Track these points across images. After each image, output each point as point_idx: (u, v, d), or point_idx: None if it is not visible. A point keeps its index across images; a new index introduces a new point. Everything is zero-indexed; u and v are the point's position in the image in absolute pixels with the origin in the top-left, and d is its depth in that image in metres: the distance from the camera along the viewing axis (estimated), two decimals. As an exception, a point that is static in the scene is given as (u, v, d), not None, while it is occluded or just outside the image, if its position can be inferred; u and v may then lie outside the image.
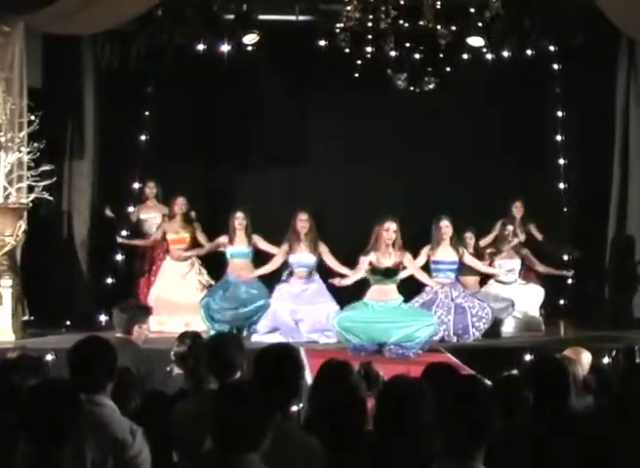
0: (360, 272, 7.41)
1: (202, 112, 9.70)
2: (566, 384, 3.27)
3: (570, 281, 9.39)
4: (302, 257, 8.15)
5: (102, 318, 8.61)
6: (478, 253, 8.60)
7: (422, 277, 7.74)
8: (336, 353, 6.88)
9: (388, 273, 7.34)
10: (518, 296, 8.64)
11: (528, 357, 6.43)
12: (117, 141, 9.18)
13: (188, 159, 9.66)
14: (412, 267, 7.58)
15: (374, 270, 7.36)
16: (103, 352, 3.27)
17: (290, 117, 9.79)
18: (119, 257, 9.05)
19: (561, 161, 9.68)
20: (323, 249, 8.17)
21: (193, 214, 8.91)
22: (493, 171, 9.80)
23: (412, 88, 8.85)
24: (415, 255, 7.80)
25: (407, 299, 7.66)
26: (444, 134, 9.69)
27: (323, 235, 8.82)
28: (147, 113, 9.29)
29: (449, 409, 2.49)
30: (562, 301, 9.29)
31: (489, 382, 3.39)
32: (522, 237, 9.03)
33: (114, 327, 5.30)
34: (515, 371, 4.31)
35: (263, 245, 8.43)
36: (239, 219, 8.40)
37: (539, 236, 9.18)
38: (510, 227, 8.84)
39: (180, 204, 8.76)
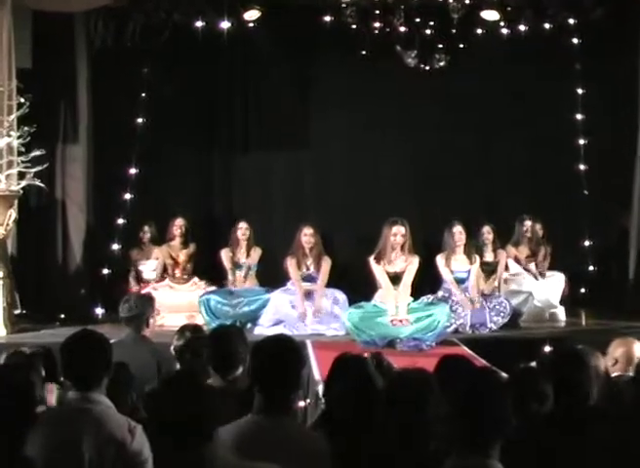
0: (386, 285, 7.41)
1: (201, 93, 9.69)
2: (585, 377, 3.27)
3: (591, 268, 9.38)
4: (307, 274, 8.16)
5: (99, 311, 8.63)
6: (496, 251, 8.58)
7: (406, 292, 7.50)
8: (344, 346, 6.90)
9: (396, 279, 7.39)
10: (537, 286, 8.66)
11: (547, 348, 6.43)
12: (112, 125, 9.16)
13: (187, 142, 9.65)
14: (407, 278, 7.42)
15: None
16: (98, 347, 3.25)
17: (293, 98, 9.75)
18: (115, 247, 9.06)
19: (581, 141, 9.63)
20: (325, 265, 8.12)
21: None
22: (508, 152, 9.77)
23: (422, 65, 8.82)
24: (425, 258, 7.71)
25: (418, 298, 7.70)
26: (456, 114, 9.64)
27: (327, 224, 8.84)
28: (144, 95, 9.26)
29: (462, 403, 2.49)
30: (583, 290, 9.26)
31: (505, 375, 3.40)
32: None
33: (124, 324, 5.27)
34: (533, 364, 4.29)
35: (256, 257, 8.47)
36: (242, 230, 8.46)
37: (545, 264, 9.03)
38: (528, 222, 8.79)
39: (179, 225, 8.81)
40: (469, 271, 8.13)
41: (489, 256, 8.52)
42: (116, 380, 3.44)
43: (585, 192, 9.52)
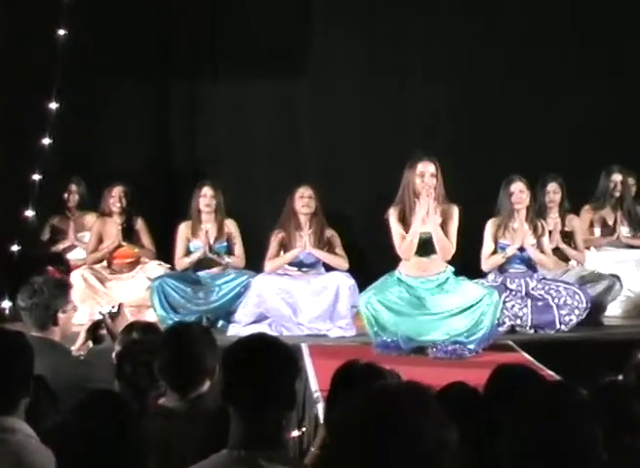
0: (406, 248, 7.30)
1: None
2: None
3: None
4: (303, 253, 8.22)
5: (6, 304, 8.61)
6: (565, 217, 8.61)
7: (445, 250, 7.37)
8: (354, 351, 6.90)
9: (428, 244, 7.31)
10: (630, 268, 8.69)
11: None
12: (23, 40, 9.07)
13: (131, 65, 9.61)
14: (451, 231, 7.33)
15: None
16: (14, 354, 3.27)
17: (282, 5, 9.69)
18: (29, 213, 9.03)
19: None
20: (334, 239, 8.26)
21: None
22: (584, 81, 9.75)
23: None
24: (464, 229, 7.61)
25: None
26: (509, 26, 9.59)
27: (332, 186, 8.80)
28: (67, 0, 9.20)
29: (530, 431, 2.47)
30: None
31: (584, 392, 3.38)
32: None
33: (25, 323, 5.26)
34: (620, 377, 4.30)
35: (236, 238, 8.52)
36: (206, 199, 8.45)
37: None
38: (618, 176, 8.80)
39: (118, 195, 8.79)
40: (532, 245, 8.12)
41: (554, 225, 8.51)
42: (33, 400, 3.42)
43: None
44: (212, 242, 8.47)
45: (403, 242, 7.28)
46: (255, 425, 2.97)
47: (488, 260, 8.15)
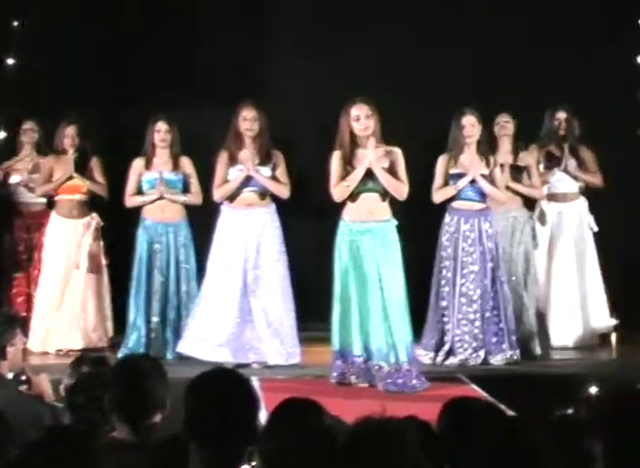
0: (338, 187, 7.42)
1: (100, 16, 9.54)
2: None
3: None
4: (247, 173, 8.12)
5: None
6: (518, 153, 8.62)
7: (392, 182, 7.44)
8: (305, 385, 6.89)
9: (370, 184, 7.40)
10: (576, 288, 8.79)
11: (593, 389, 6.45)
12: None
13: (84, 95, 9.50)
14: (399, 171, 7.43)
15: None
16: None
17: (239, 35, 9.75)
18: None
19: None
20: (278, 160, 8.23)
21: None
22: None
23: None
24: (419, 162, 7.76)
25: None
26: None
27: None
28: (16, 24, 9.16)
29: (487, 466, 2.47)
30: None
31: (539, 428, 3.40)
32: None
33: None
34: (570, 411, 4.31)
35: (192, 175, 8.52)
36: (161, 133, 8.45)
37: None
38: (562, 114, 8.86)
39: (71, 135, 8.78)
40: (484, 177, 8.13)
41: (505, 162, 8.54)
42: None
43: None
44: (165, 176, 8.42)
45: (339, 184, 7.43)
46: (216, 459, 2.98)
47: (439, 192, 8.18)
